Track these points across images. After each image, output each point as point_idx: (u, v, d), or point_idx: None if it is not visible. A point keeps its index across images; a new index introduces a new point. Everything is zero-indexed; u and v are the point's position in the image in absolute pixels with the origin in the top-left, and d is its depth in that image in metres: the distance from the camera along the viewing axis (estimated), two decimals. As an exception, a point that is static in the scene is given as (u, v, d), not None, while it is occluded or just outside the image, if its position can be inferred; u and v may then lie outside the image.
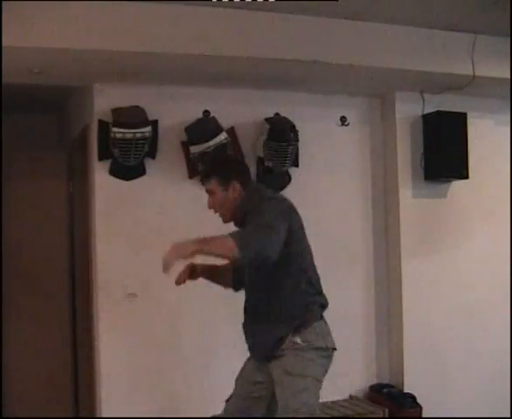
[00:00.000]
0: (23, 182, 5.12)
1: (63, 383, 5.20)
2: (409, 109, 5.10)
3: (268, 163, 4.71)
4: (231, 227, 3.11)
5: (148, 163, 4.58)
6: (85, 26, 3.77)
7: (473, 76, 4.58)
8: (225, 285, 3.38)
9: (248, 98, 4.78)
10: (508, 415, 5.01)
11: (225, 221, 3.17)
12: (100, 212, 4.53)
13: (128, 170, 4.52)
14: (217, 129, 4.54)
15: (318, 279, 3.19)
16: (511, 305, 5.26)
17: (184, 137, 4.61)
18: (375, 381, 5.13)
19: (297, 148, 4.82)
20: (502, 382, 5.18)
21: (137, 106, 4.43)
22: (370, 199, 5.20)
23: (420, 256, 5.08)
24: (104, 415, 4.46)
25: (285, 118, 4.78)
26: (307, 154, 4.91)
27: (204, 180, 3.20)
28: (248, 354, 3.26)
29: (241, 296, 3.25)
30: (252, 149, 4.76)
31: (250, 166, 3.97)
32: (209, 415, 4.49)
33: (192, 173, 4.64)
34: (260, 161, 4.76)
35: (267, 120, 4.73)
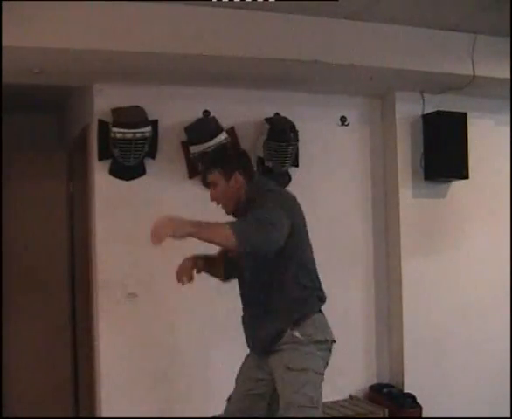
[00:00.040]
0: (23, 181, 5.12)
1: (63, 383, 5.20)
2: (409, 109, 5.10)
3: (268, 163, 4.71)
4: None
5: (148, 163, 4.58)
6: (85, 26, 3.77)
7: (474, 76, 4.58)
8: (217, 275, 3.33)
9: (248, 98, 4.78)
10: (508, 415, 5.02)
11: (228, 212, 3.17)
12: (100, 212, 4.53)
13: (127, 170, 4.52)
14: (217, 129, 4.54)
15: (317, 274, 3.19)
16: (511, 305, 5.26)
17: (184, 137, 4.61)
18: (375, 381, 5.13)
19: (297, 148, 4.82)
20: (502, 382, 5.18)
21: (137, 106, 4.43)
22: (370, 199, 5.20)
23: (420, 256, 5.08)
24: (104, 415, 4.46)
25: (285, 118, 4.78)
26: (307, 154, 4.91)
27: (207, 171, 3.20)
28: (247, 351, 3.27)
29: (241, 296, 3.25)
30: (252, 149, 4.75)
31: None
32: (209, 415, 4.51)
33: (192, 173, 4.64)
34: (260, 161, 4.76)
35: (267, 120, 4.74)
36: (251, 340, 3.21)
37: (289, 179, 4.86)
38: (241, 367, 3.27)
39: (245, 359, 3.28)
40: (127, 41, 3.86)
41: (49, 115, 5.79)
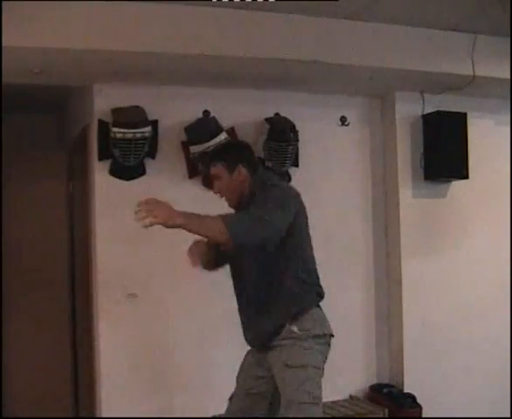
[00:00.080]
0: (23, 182, 5.12)
1: (63, 383, 5.19)
2: (409, 109, 5.10)
3: (268, 163, 4.71)
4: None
5: (148, 163, 4.58)
6: (85, 26, 3.77)
7: (474, 76, 4.58)
8: (206, 262, 3.23)
9: (248, 98, 4.78)
10: (508, 415, 5.02)
11: (231, 205, 3.16)
12: (100, 212, 4.53)
13: (127, 170, 4.52)
14: (217, 129, 4.54)
15: (316, 271, 3.19)
16: (511, 305, 5.26)
17: (184, 137, 4.61)
18: (375, 381, 5.13)
19: (297, 148, 4.82)
20: (502, 382, 5.18)
21: (137, 106, 4.43)
22: (370, 199, 5.20)
23: (420, 256, 5.07)
24: (104, 415, 4.46)
25: (285, 118, 4.78)
26: (307, 154, 4.91)
27: (210, 164, 3.19)
28: (247, 350, 3.26)
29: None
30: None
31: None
32: (209, 415, 4.51)
33: (192, 173, 4.65)
34: (260, 161, 4.76)
35: (267, 120, 4.74)
36: (249, 335, 3.20)
37: (289, 179, 4.86)
38: (241, 365, 3.27)
39: (245, 356, 3.27)
40: (127, 41, 3.86)
41: (49, 115, 5.79)
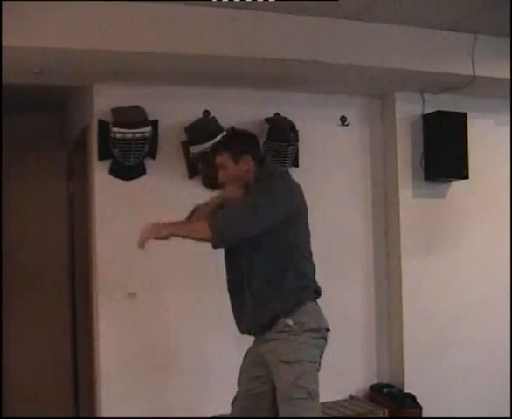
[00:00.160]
0: (23, 181, 5.12)
1: (63, 383, 5.19)
2: (409, 109, 5.10)
3: (268, 163, 4.71)
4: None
5: (148, 163, 4.58)
6: (85, 26, 3.76)
7: (474, 76, 4.58)
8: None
9: (248, 98, 4.77)
10: (508, 415, 5.02)
11: (236, 195, 3.14)
12: (100, 212, 4.53)
13: (127, 170, 4.52)
14: (217, 129, 4.54)
15: (314, 267, 3.19)
16: (511, 305, 5.26)
17: (184, 137, 4.61)
18: (375, 381, 5.13)
19: (297, 148, 4.82)
20: (502, 382, 5.18)
21: (137, 106, 4.43)
22: (370, 199, 5.20)
23: (420, 256, 5.07)
24: (104, 415, 4.46)
25: (285, 118, 4.78)
26: (307, 154, 4.91)
27: (216, 153, 3.18)
28: (247, 351, 3.26)
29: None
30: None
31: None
32: (209, 415, 4.51)
33: (192, 173, 4.65)
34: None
35: (267, 120, 4.74)
36: (242, 324, 3.18)
37: (289, 179, 4.86)
38: (241, 367, 3.26)
39: (245, 357, 3.27)
40: (127, 41, 3.86)
41: (49, 115, 5.79)
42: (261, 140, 4.69)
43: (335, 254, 4.94)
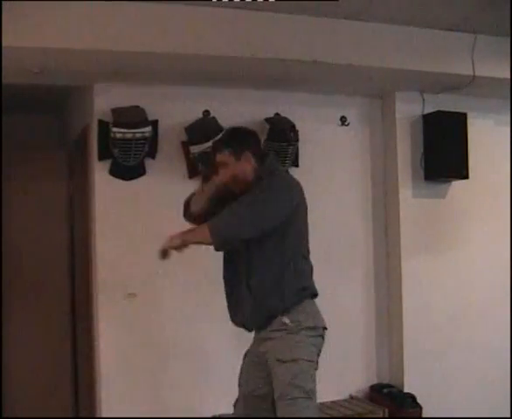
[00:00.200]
0: (23, 181, 5.12)
1: (63, 383, 5.19)
2: (409, 109, 5.10)
3: (268, 163, 4.71)
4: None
5: (148, 163, 4.58)
6: (85, 26, 3.77)
7: (474, 76, 4.58)
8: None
9: (248, 98, 4.78)
10: (508, 415, 5.02)
11: (238, 193, 3.13)
12: (100, 212, 4.53)
13: (127, 170, 4.52)
14: (217, 129, 4.53)
15: (311, 267, 3.18)
16: (511, 306, 5.26)
17: (184, 137, 4.61)
18: (375, 381, 5.13)
19: (297, 148, 4.82)
20: (502, 382, 5.18)
21: (137, 106, 4.43)
22: (370, 199, 5.20)
23: (420, 256, 5.07)
24: (104, 415, 4.46)
25: (285, 118, 4.78)
26: (307, 154, 4.91)
27: (216, 151, 3.17)
28: (248, 351, 3.25)
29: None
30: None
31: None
32: (209, 415, 4.51)
33: (192, 173, 4.64)
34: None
35: (267, 120, 4.74)
36: (238, 318, 3.17)
37: (289, 179, 4.86)
38: (241, 368, 3.26)
39: (244, 358, 3.26)
40: (127, 41, 3.86)
41: (49, 115, 5.79)
42: (261, 140, 4.70)
43: (335, 254, 4.94)
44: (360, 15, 4.23)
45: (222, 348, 4.59)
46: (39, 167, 5.17)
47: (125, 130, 4.32)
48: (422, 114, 5.09)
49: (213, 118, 4.62)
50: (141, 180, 4.59)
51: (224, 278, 3.22)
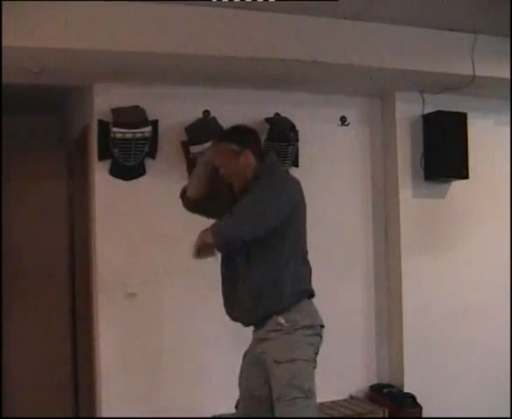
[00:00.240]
0: (23, 181, 5.12)
1: (63, 383, 5.20)
2: (409, 109, 5.10)
3: (268, 163, 4.71)
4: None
5: (148, 163, 4.58)
6: (85, 26, 3.76)
7: (474, 76, 4.58)
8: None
9: (248, 98, 4.78)
10: (508, 415, 5.02)
11: (236, 190, 3.14)
12: (100, 212, 4.53)
13: (127, 170, 4.52)
14: (217, 129, 4.53)
15: (310, 267, 3.18)
16: (511, 306, 5.26)
17: (184, 137, 4.61)
18: (375, 381, 5.13)
19: (297, 148, 4.82)
20: (502, 382, 5.18)
21: (137, 106, 4.43)
22: (370, 199, 5.20)
23: (420, 256, 5.07)
24: (104, 415, 4.46)
25: (285, 118, 4.78)
26: (307, 154, 4.91)
27: (217, 146, 3.18)
28: (246, 349, 3.25)
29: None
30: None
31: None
32: (209, 415, 4.51)
33: (192, 173, 4.64)
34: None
35: (267, 120, 4.74)
36: (234, 313, 3.18)
37: (289, 179, 4.86)
38: (241, 369, 3.25)
39: (243, 358, 3.25)
40: (127, 41, 3.86)
41: (49, 115, 5.79)
42: (261, 141, 4.70)
43: (335, 254, 4.94)
44: (360, 15, 4.23)
45: (222, 348, 4.59)
46: (39, 167, 5.18)
47: (125, 130, 4.32)
48: (422, 114, 5.09)
49: (213, 118, 4.62)
50: (141, 180, 4.58)
51: (222, 274, 3.21)
